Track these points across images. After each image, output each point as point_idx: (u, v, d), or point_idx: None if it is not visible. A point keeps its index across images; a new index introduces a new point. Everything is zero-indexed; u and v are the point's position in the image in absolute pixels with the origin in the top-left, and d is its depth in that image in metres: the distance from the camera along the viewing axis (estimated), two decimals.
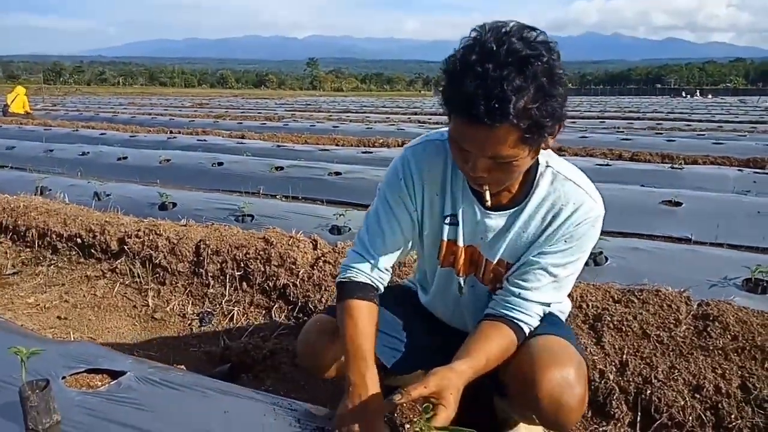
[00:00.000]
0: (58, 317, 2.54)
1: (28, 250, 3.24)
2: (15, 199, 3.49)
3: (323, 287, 2.38)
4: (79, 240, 3.05)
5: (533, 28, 1.03)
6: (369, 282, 1.34)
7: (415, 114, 18.70)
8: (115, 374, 1.62)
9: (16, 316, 2.46)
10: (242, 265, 2.59)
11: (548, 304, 1.30)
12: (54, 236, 3.14)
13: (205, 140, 9.17)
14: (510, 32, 1.01)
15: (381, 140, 9.27)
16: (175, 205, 4.40)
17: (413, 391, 1.06)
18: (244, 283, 2.57)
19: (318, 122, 14.06)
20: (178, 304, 2.60)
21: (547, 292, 1.28)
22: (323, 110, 21.06)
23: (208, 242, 2.70)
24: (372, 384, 1.21)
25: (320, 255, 2.53)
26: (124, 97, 36.81)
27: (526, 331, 1.28)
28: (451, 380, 1.10)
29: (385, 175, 1.37)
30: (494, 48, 0.98)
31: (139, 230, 2.91)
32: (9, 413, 1.35)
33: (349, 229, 3.67)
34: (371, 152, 7.82)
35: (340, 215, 3.74)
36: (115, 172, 6.81)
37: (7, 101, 16.58)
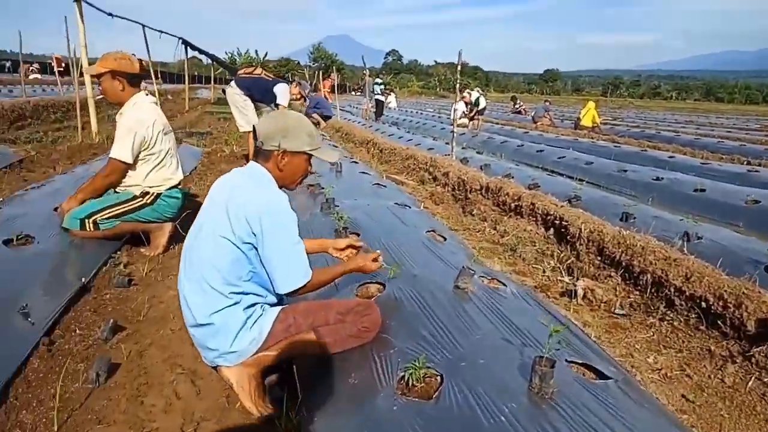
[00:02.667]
0: (683, 396, 2.26)
1: (638, 293, 3.14)
2: (631, 235, 3.46)
3: None
4: (703, 304, 2.71)
5: None
6: None
7: None
8: None
9: (642, 379, 2.31)
10: None
11: None
12: (672, 289, 2.92)
13: None
14: None
15: None
16: None
17: None
18: None
19: None
20: None
21: None
22: None
23: None
24: None
25: None
26: (678, 113, 35.54)
27: None
28: None
29: None
30: None
31: None
32: None
33: None
34: None
35: None
36: (690, 205, 6.26)
37: (580, 115, 18.58)
